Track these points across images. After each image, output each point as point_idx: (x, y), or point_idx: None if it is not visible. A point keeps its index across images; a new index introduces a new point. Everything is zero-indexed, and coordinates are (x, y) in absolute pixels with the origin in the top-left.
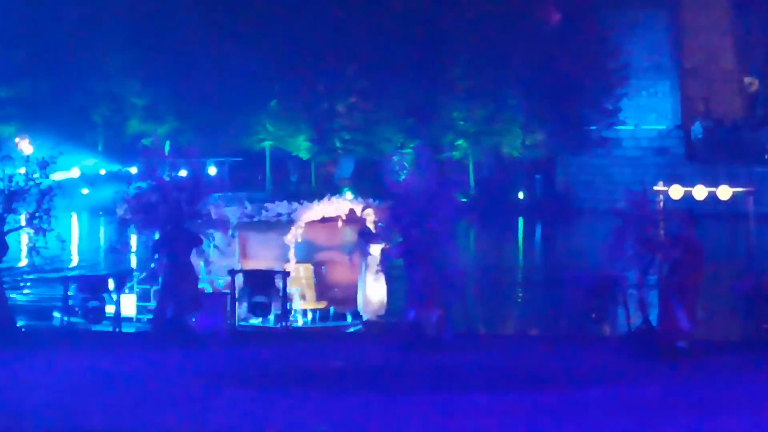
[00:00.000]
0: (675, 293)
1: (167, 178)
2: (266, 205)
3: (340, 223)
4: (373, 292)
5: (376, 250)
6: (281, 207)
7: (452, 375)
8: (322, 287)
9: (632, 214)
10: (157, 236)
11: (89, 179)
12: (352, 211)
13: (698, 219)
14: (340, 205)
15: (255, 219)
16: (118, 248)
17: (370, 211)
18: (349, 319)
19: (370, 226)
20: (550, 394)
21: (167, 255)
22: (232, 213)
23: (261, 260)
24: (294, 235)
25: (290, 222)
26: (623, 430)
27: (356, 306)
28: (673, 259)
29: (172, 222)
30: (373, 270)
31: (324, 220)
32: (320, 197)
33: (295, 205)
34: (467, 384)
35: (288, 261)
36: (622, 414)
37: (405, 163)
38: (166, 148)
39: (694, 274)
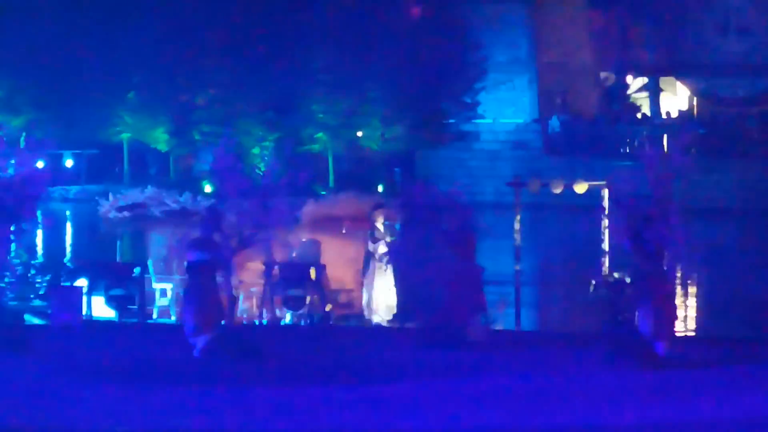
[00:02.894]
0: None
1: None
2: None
3: (346, 223)
4: (382, 293)
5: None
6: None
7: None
8: (326, 290)
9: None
10: None
11: None
12: (359, 210)
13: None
14: (347, 203)
15: None
16: None
17: (379, 212)
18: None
19: (379, 227)
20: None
21: None
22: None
23: (258, 261)
24: (298, 234)
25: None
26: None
27: (361, 309)
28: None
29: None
30: (381, 271)
31: (330, 219)
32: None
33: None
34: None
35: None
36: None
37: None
38: (22, 140)
39: (469, 265)
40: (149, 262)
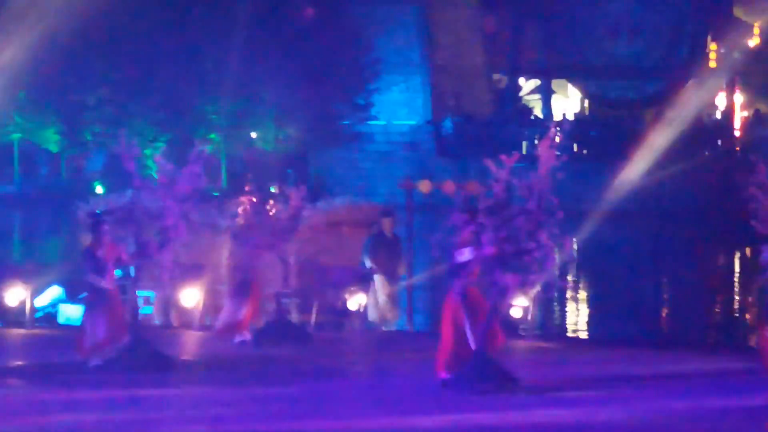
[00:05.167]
0: None
1: None
2: None
3: (346, 229)
4: (384, 302)
5: None
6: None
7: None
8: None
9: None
10: None
11: None
12: (364, 215)
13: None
14: (350, 209)
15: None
16: None
17: (389, 219)
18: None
19: (388, 234)
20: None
21: None
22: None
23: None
24: (297, 241)
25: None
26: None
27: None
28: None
29: None
30: (381, 279)
31: (331, 225)
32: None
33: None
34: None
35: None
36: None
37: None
38: None
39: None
40: (131, 269)
